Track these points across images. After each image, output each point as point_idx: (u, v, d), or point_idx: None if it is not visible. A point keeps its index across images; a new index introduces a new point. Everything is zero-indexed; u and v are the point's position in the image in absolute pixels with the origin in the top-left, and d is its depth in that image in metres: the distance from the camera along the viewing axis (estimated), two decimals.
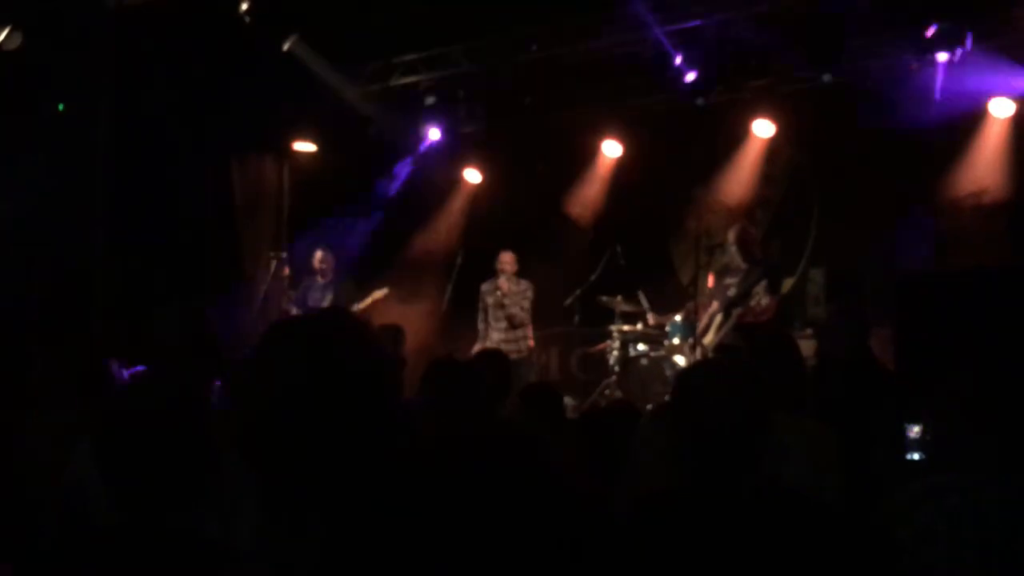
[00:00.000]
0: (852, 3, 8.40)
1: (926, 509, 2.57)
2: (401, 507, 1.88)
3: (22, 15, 8.83)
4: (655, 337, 9.22)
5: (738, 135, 9.98)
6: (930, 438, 3.92)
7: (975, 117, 8.71)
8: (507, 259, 9.50)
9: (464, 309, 9.82)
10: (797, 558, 2.28)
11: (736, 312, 8.12)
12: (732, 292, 8.25)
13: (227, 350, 3.79)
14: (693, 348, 8.48)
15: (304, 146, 11.28)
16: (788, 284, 9.22)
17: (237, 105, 10.03)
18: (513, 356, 8.22)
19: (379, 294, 9.58)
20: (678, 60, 9.13)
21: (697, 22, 8.98)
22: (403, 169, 11.20)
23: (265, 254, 10.44)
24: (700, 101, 9.28)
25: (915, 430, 4.47)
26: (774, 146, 10.00)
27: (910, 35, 8.27)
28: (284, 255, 10.08)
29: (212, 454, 2.28)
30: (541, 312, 9.74)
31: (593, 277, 9.61)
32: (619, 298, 9.40)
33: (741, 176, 10.13)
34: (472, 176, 11.41)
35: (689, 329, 8.67)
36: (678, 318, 8.93)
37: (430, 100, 10.50)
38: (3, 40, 8.70)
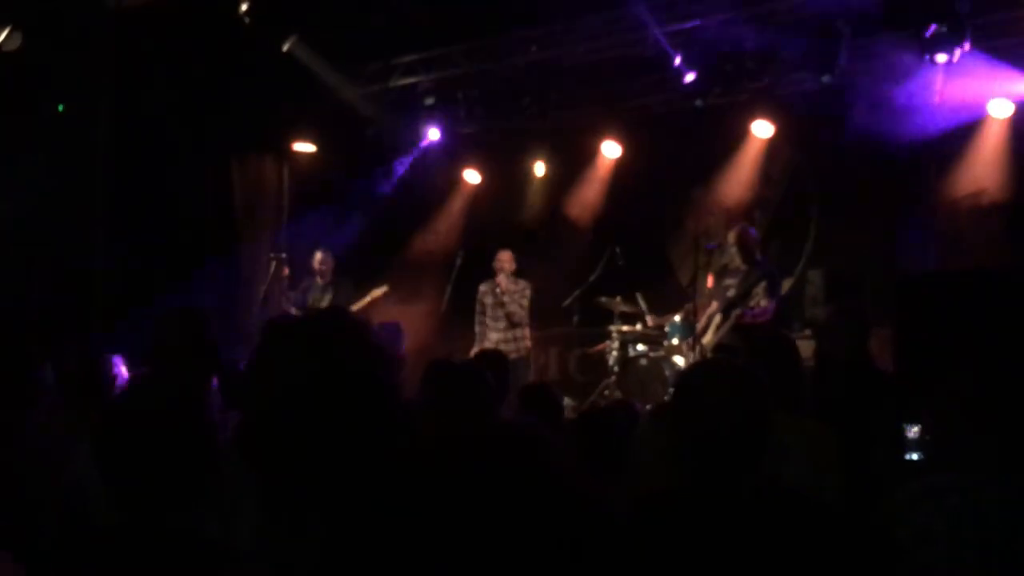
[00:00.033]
0: (851, 4, 8.40)
1: (926, 509, 2.58)
2: (401, 507, 1.88)
3: (22, 15, 8.83)
4: (654, 337, 9.22)
5: (737, 136, 9.98)
6: (930, 438, 3.92)
7: (974, 118, 8.72)
8: (505, 257, 9.49)
9: (463, 309, 9.81)
10: (797, 558, 2.28)
11: (735, 313, 8.13)
12: (731, 293, 8.27)
13: (227, 350, 3.79)
14: (692, 348, 8.48)
15: (304, 146, 11.29)
16: (787, 285, 9.22)
17: (237, 105, 10.04)
18: (512, 356, 8.22)
19: (378, 292, 9.56)
20: (677, 61, 9.14)
21: (696, 23, 8.99)
22: (402, 169, 11.20)
23: (265, 254, 10.44)
24: (699, 102, 9.30)
25: (915, 430, 4.46)
26: (773, 147, 10.00)
27: (909, 36, 8.28)
28: (284, 255, 10.07)
29: (212, 454, 2.28)
30: (540, 312, 9.72)
31: (592, 278, 9.59)
32: (618, 299, 9.39)
33: (740, 177, 10.13)
34: (471, 176, 11.41)
35: (688, 330, 8.67)
36: (677, 319, 8.93)
37: (429, 101, 10.51)
38: (3, 40, 8.70)
